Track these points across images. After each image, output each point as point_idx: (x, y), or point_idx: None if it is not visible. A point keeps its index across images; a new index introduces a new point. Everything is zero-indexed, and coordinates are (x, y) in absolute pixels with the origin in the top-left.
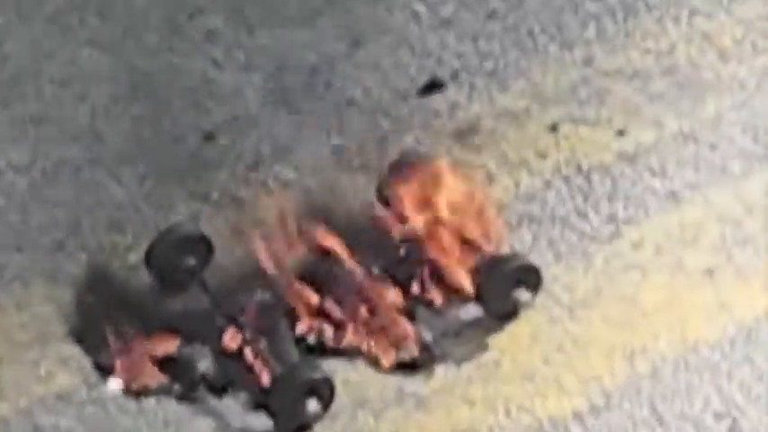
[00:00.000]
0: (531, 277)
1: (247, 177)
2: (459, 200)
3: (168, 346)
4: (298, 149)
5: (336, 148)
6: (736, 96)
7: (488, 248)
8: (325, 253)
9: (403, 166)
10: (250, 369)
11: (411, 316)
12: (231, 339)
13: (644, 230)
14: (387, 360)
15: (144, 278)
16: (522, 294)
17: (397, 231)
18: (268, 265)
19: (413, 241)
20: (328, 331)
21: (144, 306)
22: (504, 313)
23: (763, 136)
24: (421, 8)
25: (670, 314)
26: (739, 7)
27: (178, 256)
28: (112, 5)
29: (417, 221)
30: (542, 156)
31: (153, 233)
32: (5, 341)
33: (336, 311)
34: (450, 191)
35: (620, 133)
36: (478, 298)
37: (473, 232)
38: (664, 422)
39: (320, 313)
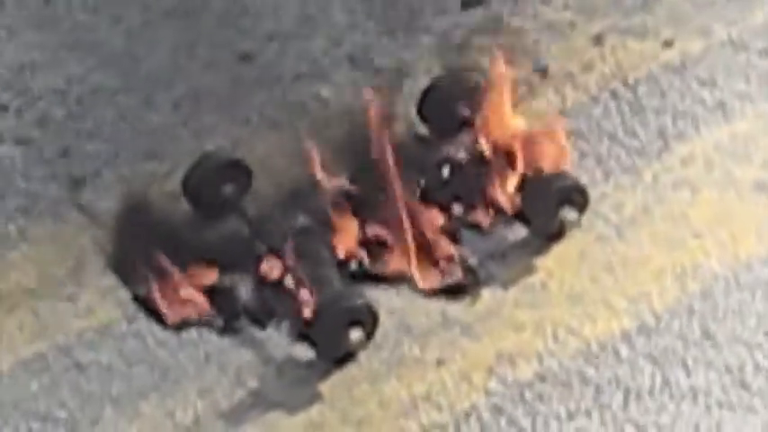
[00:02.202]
0: (577, 196)
1: (286, 98)
2: (511, 115)
3: (208, 276)
4: (337, 68)
5: (377, 67)
6: None
7: (547, 167)
8: (367, 175)
9: (446, 83)
10: (291, 298)
11: (455, 239)
12: (271, 268)
13: (693, 144)
14: (431, 285)
15: (182, 207)
16: (569, 213)
17: (439, 151)
18: (323, 180)
19: (457, 161)
20: (371, 256)
21: (182, 235)
22: (551, 233)
23: None
24: None
25: (721, 231)
26: None
27: (216, 183)
28: None
29: (463, 140)
30: (588, 69)
31: (190, 160)
32: (42, 276)
33: (379, 235)
34: (498, 106)
35: (668, 44)
36: (524, 218)
37: (525, 149)
38: (715, 342)
39: (363, 238)
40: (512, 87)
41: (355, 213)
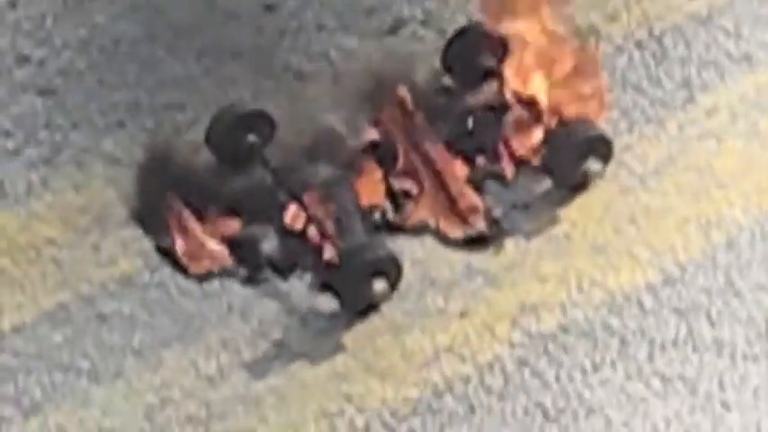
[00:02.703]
0: (601, 146)
1: (309, 49)
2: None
3: (231, 226)
4: (360, 18)
5: (399, 18)
6: None
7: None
8: (390, 125)
9: (470, 33)
10: (315, 248)
11: (479, 189)
12: (294, 218)
13: (719, 95)
14: (455, 235)
15: (205, 157)
16: (593, 164)
17: (463, 102)
18: (346, 130)
19: (481, 111)
20: (395, 207)
21: (206, 185)
22: (575, 184)
23: None
24: None
25: (745, 182)
26: None
27: (239, 134)
28: None
29: (487, 90)
30: (612, 19)
31: (213, 110)
32: (64, 225)
33: (403, 185)
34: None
35: None
36: (548, 169)
37: (556, 96)
38: (740, 293)
39: (387, 188)
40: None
41: (379, 163)
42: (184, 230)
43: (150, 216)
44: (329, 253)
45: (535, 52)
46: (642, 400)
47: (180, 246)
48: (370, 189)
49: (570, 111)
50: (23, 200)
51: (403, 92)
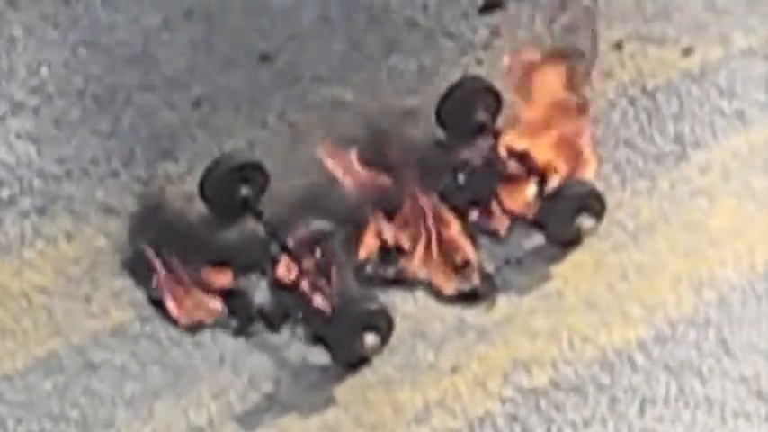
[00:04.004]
0: (594, 203)
1: (304, 100)
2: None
3: (223, 278)
4: (355, 71)
5: (395, 70)
6: None
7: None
8: (385, 179)
9: (465, 88)
10: (307, 301)
11: (472, 244)
12: (286, 270)
13: (711, 153)
14: (447, 290)
15: (198, 208)
16: (586, 221)
17: (457, 156)
18: (339, 185)
19: (474, 166)
20: (388, 261)
21: (198, 237)
22: (567, 241)
23: None
24: None
25: (738, 240)
26: None
27: (233, 185)
28: None
29: (480, 145)
30: (607, 76)
31: (207, 161)
32: (57, 275)
33: (397, 239)
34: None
35: (687, 51)
36: (540, 225)
37: (549, 155)
38: (731, 352)
39: (380, 242)
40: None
41: (372, 217)
42: (176, 281)
43: (142, 266)
44: (321, 306)
45: (532, 109)
46: None
47: (171, 297)
48: (364, 242)
49: (562, 167)
50: (16, 248)
51: (394, 146)
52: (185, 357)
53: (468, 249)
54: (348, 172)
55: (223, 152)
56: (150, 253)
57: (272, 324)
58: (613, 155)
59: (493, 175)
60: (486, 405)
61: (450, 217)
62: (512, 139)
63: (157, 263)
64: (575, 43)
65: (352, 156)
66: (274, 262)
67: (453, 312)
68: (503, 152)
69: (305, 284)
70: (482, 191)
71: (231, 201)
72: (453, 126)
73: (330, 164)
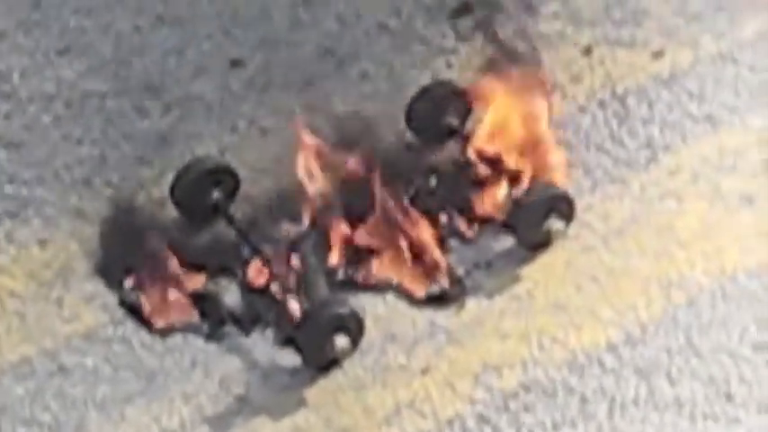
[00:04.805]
0: (563, 206)
1: (275, 105)
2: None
3: (195, 281)
4: (326, 75)
5: (365, 74)
6: None
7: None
8: (355, 182)
9: (434, 91)
10: (278, 304)
11: (442, 247)
12: (258, 274)
13: (681, 156)
14: (418, 293)
15: (170, 212)
16: (555, 223)
17: (427, 159)
18: (309, 189)
19: (444, 170)
20: (358, 264)
21: (170, 241)
22: (537, 243)
23: None
24: None
25: (707, 243)
26: None
27: (204, 189)
28: None
29: (450, 149)
30: (576, 80)
31: (179, 166)
32: (29, 279)
33: (367, 243)
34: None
35: (657, 55)
36: (510, 228)
37: (517, 159)
38: (700, 353)
39: (350, 245)
40: (501, 96)
41: (343, 221)
42: (149, 285)
43: (114, 270)
44: (292, 309)
45: (499, 112)
46: None
47: (144, 300)
48: (334, 246)
49: (532, 170)
50: None
51: (364, 150)
52: (157, 361)
53: (437, 253)
54: (317, 175)
55: (194, 156)
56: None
57: (244, 327)
58: (584, 158)
59: (463, 179)
60: (457, 407)
61: (420, 220)
62: (481, 143)
63: (131, 267)
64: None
65: (321, 158)
66: (245, 265)
67: (424, 315)
68: (472, 155)
69: (276, 287)
70: (452, 194)
71: (202, 205)
72: (423, 130)
73: (300, 161)
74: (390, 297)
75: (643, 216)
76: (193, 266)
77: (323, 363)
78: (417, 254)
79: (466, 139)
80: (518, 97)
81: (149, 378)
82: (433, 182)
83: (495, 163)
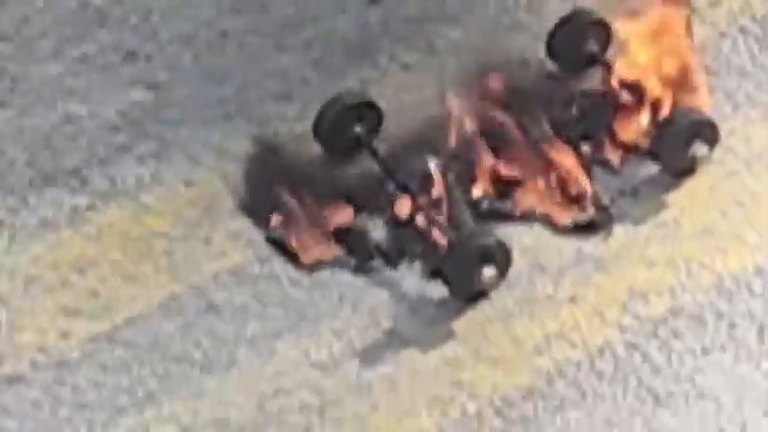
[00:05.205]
0: (707, 131)
1: (414, 40)
2: (647, 51)
3: (341, 216)
4: (464, 9)
5: (504, 7)
6: None
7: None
8: (498, 114)
9: (575, 20)
10: (424, 237)
11: (587, 175)
12: (403, 207)
13: None
14: (564, 221)
15: (313, 148)
16: (699, 149)
17: (569, 88)
18: (453, 121)
19: (586, 98)
20: (504, 194)
21: (314, 177)
22: (681, 169)
23: None
24: None
25: None
26: None
27: (347, 124)
28: None
29: (592, 76)
30: (716, 4)
31: (321, 101)
32: (175, 218)
33: (512, 172)
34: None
35: None
36: (654, 155)
37: (659, 86)
38: None
39: (495, 175)
40: (641, 23)
41: (487, 151)
42: (295, 221)
43: (260, 207)
44: (438, 241)
45: (642, 40)
46: (752, 382)
47: (290, 236)
48: (479, 177)
49: (674, 96)
50: (134, 194)
51: (497, 79)
52: (305, 296)
53: (583, 181)
54: (463, 107)
55: (336, 92)
56: (271, 194)
57: (391, 260)
58: (725, 83)
59: (605, 107)
60: (606, 334)
61: (564, 149)
62: (623, 70)
63: (277, 203)
64: None
65: (469, 92)
66: (391, 199)
67: (570, 244)
68: (614, 83)
69: (421, 220)
70: (595, 122)
71: (346, 140)
72: (564, 58)
73: (446, 99)
74: (536, 227)
75: None
76: (339, 201)
77: (470, 294)
78: (563, 183)
79: (608, 66)
80: (658, 23)
81: (298, 313)
82: (575, 110)
83: (637, 90)
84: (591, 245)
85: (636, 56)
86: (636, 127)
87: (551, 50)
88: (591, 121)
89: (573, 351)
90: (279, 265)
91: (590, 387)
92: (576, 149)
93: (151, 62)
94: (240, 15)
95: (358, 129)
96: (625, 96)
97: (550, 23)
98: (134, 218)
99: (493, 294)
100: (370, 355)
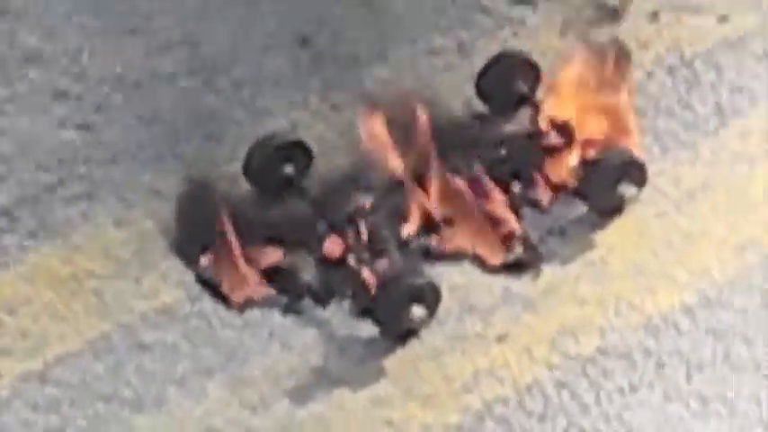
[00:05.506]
0: (635, 172)
1: (344, 80)
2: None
3: (271, 256)
4: (394, 50)
5: (433, 48)
6: None
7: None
8: (427, 154)
9: (504, 61)
10: (354, 276)
11: (516, 215)
12: (333, 246)
13: (750, 119)
14: (493, 261)
15: (243, 188)
16: (627, 189)
17: (498, 129)
18: (381, 162)
19: (515, 138)
20: (433, 234)
21: (245, 217)
22: (610, 209)
23: None
24: None
25: None
26: None
27: (277, 165)
28: None
29: (521, 117)
30: (644, 46)
31: (251, 142)
32: (106, 258)
33: (441, 212)
34: (557, 84)
35: (723, 19)
36: (583, 194)
37: (588, 126)
38: None
39: (425, 215)
40: (571, 65)
41: (416, 191)
42: (226, 261)
43: (190, 247)
44: (368, 280)
45: (572, 81)
46: (681, 420)
47: (221, 276)
48: (408, 217)
49: (603, 137)
50: (64, 234)
51: (422, 118)
52: (235, 336)
53: (511, 221)
54: (391, 148)
55: (266, 132)
56: (201, 234)
57: (321, 300)
58: (654, 124)
59: (535, 147)
60: (535, 372)
61: (493, 189)
62: (553, 110)
63: (207, 243)
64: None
65: (391, 134)
66: (321, 239)
67: (500, 283)
68: (543, 124)
69: (351, 260)
70: (524, 162)
71: (276, 180)
72: (494, 99)
73: (370, 141)
74: (466, 265)
75: (714, 180)
76: (269, 241)
77: (400, 333)
78: (492, 223)
79: (536, 107)
80: (588, 64)
81: (228, 353)
82: (504, 151)
83: (566, 130)
84: (520, 284)
85: (565, 97)
86: (564, 167)
87: (481, 91)
88: (520, 161)
89: (502, 388)
90: (209, 304)
91: (518, 425)
92: (506, 189)
93: (81, 102)
94: (170, 56)
95: (288, 169)
96: (554, 137)
97: (480, 64)
98: (65, 257)
99: (423, 333)
100: (300, 395)
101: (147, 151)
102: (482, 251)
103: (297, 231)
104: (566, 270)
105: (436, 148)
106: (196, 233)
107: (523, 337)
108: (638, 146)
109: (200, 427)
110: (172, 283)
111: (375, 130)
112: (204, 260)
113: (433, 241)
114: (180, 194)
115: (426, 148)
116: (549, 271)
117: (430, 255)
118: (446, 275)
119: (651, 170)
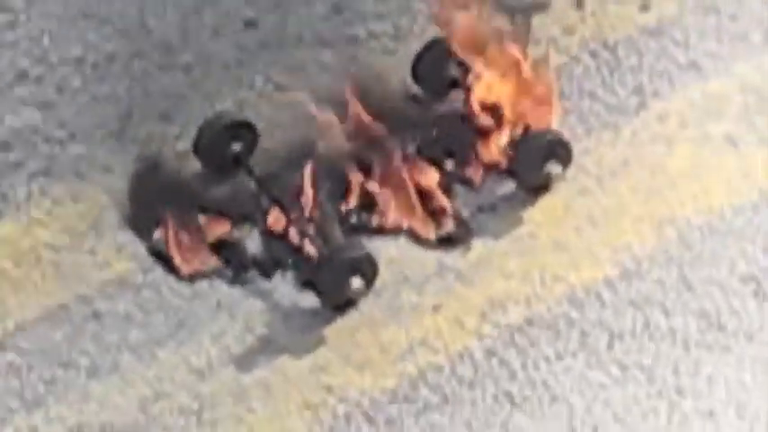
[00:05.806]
0: (562, 151)
1: (289, 62)
2: (504, 75)
3: (218, 229)
4: (335, 34)
5: (372, 32)
6: None
7: (534, 124)
8: (364, 134)
9: (438, 46)
10: (297, 249)
11: (448, 193)
12: (276, 220)
13: (669, 102)
14: (427, 236)
15: (193, 165)
16: (554, 167)
17: (432, 110)
18: (323, 139)
19: (449, 120)
20: (371, 210)
21: (194, 192)
22: (537, 187)
23: None
24: None
25: (695, 182)
26: None
27: (224, 143)
28: None
29: (454, 99)
30: (570, 32)
31: (200, 121)
32: (63, 231)
33: (378, 191)
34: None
35: (644, 7)
36: (512, 173)
37: (516, 108)
38: (691, 287)
39: (364, 191)
40: (501, 49)
41: (356, 169)
42: (176, 234)
43: (143, 221)
44: (310, 253)
45: (497, 64)
46: (602, 386)
47: (171, 248)
48: (348, 193)
49: (530, 117)
50: (25, 208)
51: (353, 100)
52: (185, 305)
53: (444, 198)
54: (331, 128)
55: (215, 112)
56: (153, 208)
57: (265, 271)
58: (578, 106)
59: (466, 127)
60: (466, 341)
61: (427, 168)
62: (483, 94)
63: (158, 217)
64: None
65: (334, 113)
66: (265, 213)
67: (433, 256)
68: (474, 106)
69: (293, 233)
70: (457, 142)
71: (224, 157)
72: (428, 82)
73: (317, 118)
74: (401, 240)
75: (635, 159)
76: (217, 215)
77: (340, 303)
78: (425, 199)
79: (468, 90)
80: (514, 49)
81: (178, 321)
82: (437, 131)
83: (495, 112)
84: (452, 257)
85: (494, 80)
86: (494, 147)
87: (416, 74)
88: (453, 141)
89: (435, 357)
90: (160, 275)
91: (451, 391)
92: (440, 168)
93: (42, 83)
94: (125, 40)
95: (235, 147)
96: (484, 118)
97: (416, 49)
98: (24, 230)
99: (361, 303)
100: (245, 361)
101: (102, 130)
102: (416, 226)
103: (243, 206)
104: (496, 244)
105: (383, 129)
106: (148, 208)
107: (455, 307)
108: (561, 125)
109: (151, 392)
110: (125, 254)
111: (320, 110)
112: (156, 233)
113: (371, 216)
114: (134, 171)
115: (367, 129)
116: (479, 245)
117: (368, 229)
118: (383, 249)
119: (575, 149)
